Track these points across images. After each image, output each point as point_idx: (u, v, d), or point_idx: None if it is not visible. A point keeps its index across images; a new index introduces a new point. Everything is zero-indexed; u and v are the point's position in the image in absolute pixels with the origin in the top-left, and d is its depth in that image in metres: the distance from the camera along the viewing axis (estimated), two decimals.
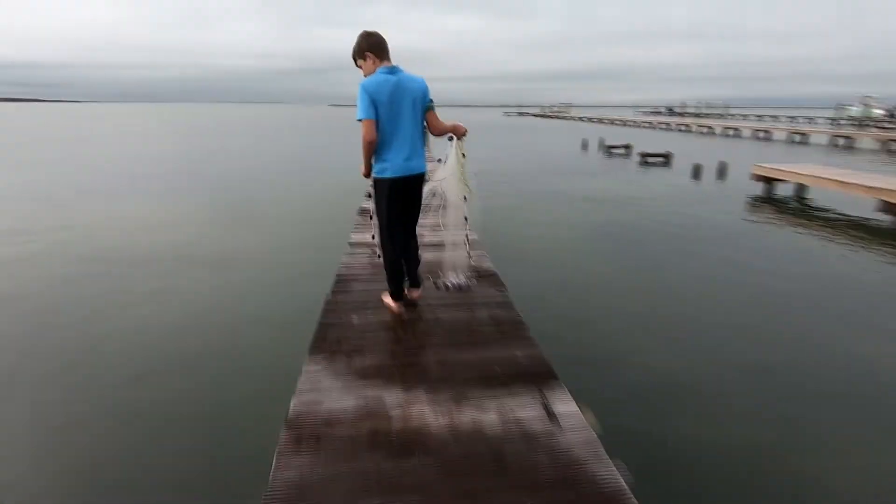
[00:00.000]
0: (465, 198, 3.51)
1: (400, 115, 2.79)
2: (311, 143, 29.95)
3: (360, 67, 2.89)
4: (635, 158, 19.67)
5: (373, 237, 3.64)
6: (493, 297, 3.43)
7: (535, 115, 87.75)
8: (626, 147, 22.37)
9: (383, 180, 2.88)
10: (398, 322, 3.01)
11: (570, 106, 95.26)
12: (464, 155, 3.35)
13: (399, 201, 2.94)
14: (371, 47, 2.81)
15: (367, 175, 2.98)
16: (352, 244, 4.70)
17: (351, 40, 2.93)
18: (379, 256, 3.44)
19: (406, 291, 3.24)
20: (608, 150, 22.70)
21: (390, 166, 2.84)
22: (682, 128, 43.78)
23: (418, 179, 2.97)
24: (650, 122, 50.67)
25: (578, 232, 8.77)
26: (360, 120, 2.72)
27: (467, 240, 3.79)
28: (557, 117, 76.59)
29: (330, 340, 2.71)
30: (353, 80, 2.86)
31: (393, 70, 2.79)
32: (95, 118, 64.20)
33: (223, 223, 9.24)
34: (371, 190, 3.08)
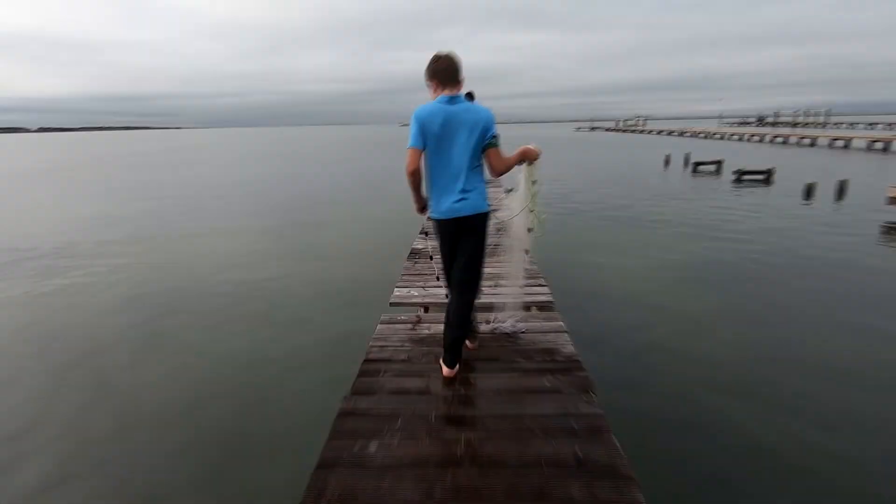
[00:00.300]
0: (529, 230, 3.13)
1: (451, 148, 2.55)
2: (378, 164, 30.20)
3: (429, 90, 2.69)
4: (728, 176, 17.54)
5: (438, 278, 3.48)
6: (557, 352, 2.96)
7: (609, 130, 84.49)
8: (717, 163, 20.12)
9: (434, 220, 2.72)
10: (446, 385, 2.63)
11: (646, 119, 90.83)
12: (534, 182, 2.98)
13: (450, 244, 2.73)
14: (433, 74, 2.59)
15: (422, 211, 2.79)
16: (393, 304, 3.85)
17: (420, 62, 2.80)
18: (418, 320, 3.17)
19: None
20: (695, 166, 20.54)
21: (436, 206, 2.65)
22: (779, 140, 39.68)
23: (472, 221, 2.64)
24: (739, 134, 46.57)
25: (665, 268, 7.38)
26: (408, 148, 2.54)
27: (526, 275, 3.40)
28: (633, 131, 73.08)
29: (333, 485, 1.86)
30: (423, 99, 2.70)
31: (453, 99, 2.55)
32: (192, 143, 70.14)
33: (273, 259, 8.86)
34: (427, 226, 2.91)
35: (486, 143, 2.57)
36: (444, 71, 2.55)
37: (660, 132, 63.45)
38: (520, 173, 3.01)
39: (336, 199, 15.35)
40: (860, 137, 33.54)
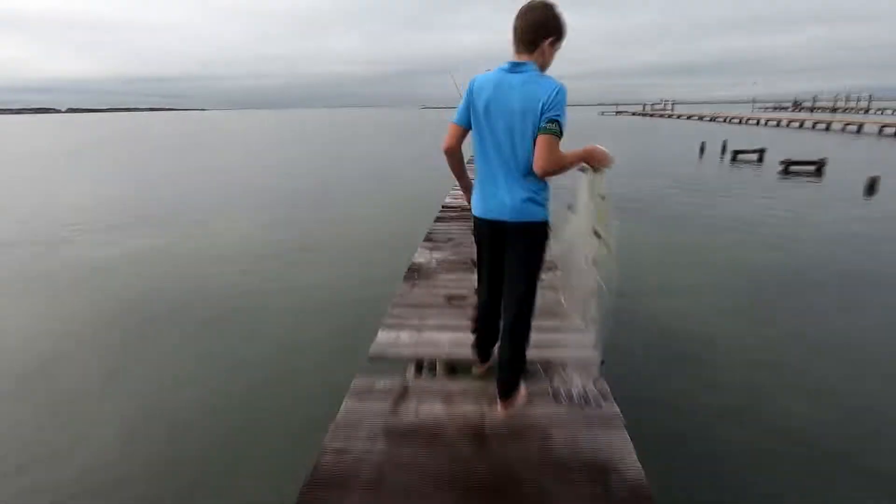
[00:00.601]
0: (594, 260, 2.24)
1: (492, 131, 2.01)
2: (396, 150, 29.05)
3: None
4: (772, 167, 15.95)
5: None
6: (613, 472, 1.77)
7: (635, 114, 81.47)
8: (759, 152, 18.43)
9: (474, 216, 2.23)
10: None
11: (674, 103, 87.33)
12: (603, 197, 2.17)
13: (488, 252, 2.23)
14: (513, 30, 1.99)
15: (469, 199, 2.30)
16: (374, 357, 2.75)
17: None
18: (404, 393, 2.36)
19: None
20: (735, 155, 18.87)
21: (473, 198, 2.22)
22: (821, 126, 37.17)
23: (516, 230, 2.08)
24: (776, 120, 43.92)
25: (719, 286, 6.16)
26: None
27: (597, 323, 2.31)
28: (661, 116, 70.16)
29: None
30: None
31: (516, 67, 1.98)
32: (212, 125, 69.78)
33: (276, 255, 7.90)
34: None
35: (538, 127, 1.91)
36: (520, 26, 1.97)
37: (689, 117, 60.65)
38: (580, 182, 2.20)
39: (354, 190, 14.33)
40: None
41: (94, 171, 19.62)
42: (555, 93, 1.88)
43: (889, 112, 53.35)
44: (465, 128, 2.09)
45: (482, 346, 2.53)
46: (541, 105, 1.88)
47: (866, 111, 57.63)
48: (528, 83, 1.93)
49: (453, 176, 2.34)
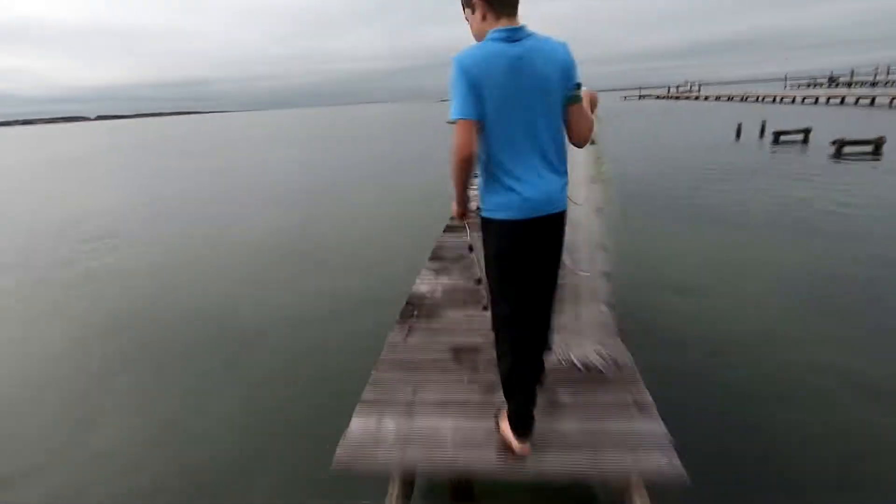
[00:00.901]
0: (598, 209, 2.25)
1: (527, 111, 1.66)
2: (411, 147, 28.18)
3: (468, 22, 1.79)
4: (820, 148, 14.48)
5: (484, 308, 2.47)
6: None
7: (659, 98, 78.64)
8: (804, 132, 16.87)
9: (497, 223, 1.74)
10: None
11: (700, 84, 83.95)
12: (593, 142, 2.13)
13: (524, 261, 1.77)
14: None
15: (462, 215, 1.95)
16: (367, 403, 2.04)
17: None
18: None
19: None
20: (776, 137, 17.33)
21: (512, 200, 1.70)
22: (864, 101, 34.68)
23: (558, 222, 1.79)
24: (813, 97, 41.31)
25: (762, 283, 5.13)
26: (452, 121, 1.63)
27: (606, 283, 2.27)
28: (687, 98, 67.41)
29: None
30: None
31: (515, 33, 1.64)
32: (231, 126, 70.08)
33: (277, 267, 7.12)
34: (472, 236, 1.99)
35: (568, 96, 1.71)
36: None
37: (717, 98, 57.96)
38: (579, 154, 2.10)
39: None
40: None
41: (129, 175, 19.35)
42: (571, 52, 1.71)
43: None
44: (478, 121, 1.64)
45: (525, 412, 1.91)
46: (567, 70, 1.69)
47: None
48: (543, 49, 1.65)
49: (455, 190, 1.83)
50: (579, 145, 1.86)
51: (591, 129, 1.85)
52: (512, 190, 1.70)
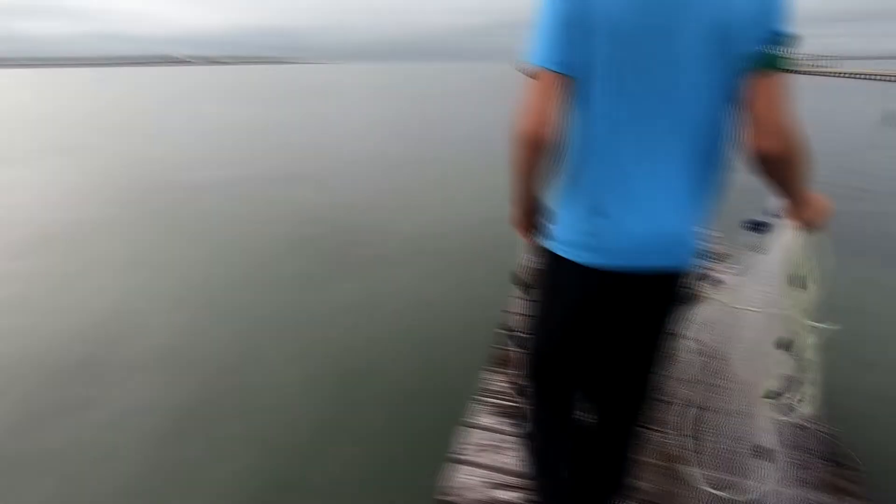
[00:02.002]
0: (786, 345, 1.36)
1: (669, 72, 0.95)
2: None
3: None
4: None
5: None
6: None
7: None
8: None
9: (568, 268, 1.10)
10: None
11: (837, 58, 72.88)
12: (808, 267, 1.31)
13: (590, 324, 1.17)
14: None
15: (529, 227, 1.24)
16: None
17: None
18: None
19: None
20: None
21: (600, 230, 1.06)
22: None
23: (667, 284, 1.11)
24: None
25: None
26: (526, 71, 1.01)
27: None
28: (821, 74, 58.85)
29: None
30: None
31: None
32: (325, 80, 70.82)
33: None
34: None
35: (759, 61, 0.91)
36: None
37: (852, 75, 50.10)
38: (782, 225, 1.29)
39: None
40: None
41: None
42: None
43: None
44: (567, 77, 0.99)
45: (558, 490, 1.41)
46: (748, 16, 0.91)
47: None
48: None
49: (515, 186, 1.15)
50: (766, 162, 0.99)
51: (797, 148, 0.99)
52: (600, 214, 1.06)
